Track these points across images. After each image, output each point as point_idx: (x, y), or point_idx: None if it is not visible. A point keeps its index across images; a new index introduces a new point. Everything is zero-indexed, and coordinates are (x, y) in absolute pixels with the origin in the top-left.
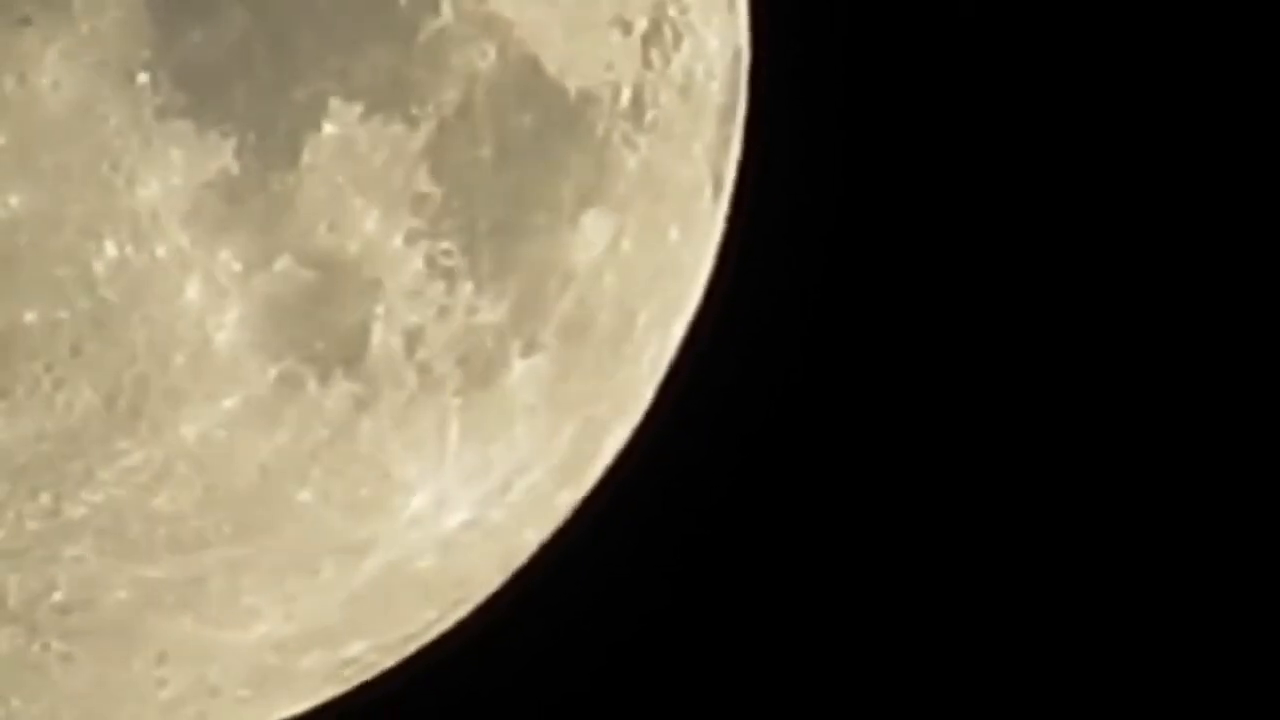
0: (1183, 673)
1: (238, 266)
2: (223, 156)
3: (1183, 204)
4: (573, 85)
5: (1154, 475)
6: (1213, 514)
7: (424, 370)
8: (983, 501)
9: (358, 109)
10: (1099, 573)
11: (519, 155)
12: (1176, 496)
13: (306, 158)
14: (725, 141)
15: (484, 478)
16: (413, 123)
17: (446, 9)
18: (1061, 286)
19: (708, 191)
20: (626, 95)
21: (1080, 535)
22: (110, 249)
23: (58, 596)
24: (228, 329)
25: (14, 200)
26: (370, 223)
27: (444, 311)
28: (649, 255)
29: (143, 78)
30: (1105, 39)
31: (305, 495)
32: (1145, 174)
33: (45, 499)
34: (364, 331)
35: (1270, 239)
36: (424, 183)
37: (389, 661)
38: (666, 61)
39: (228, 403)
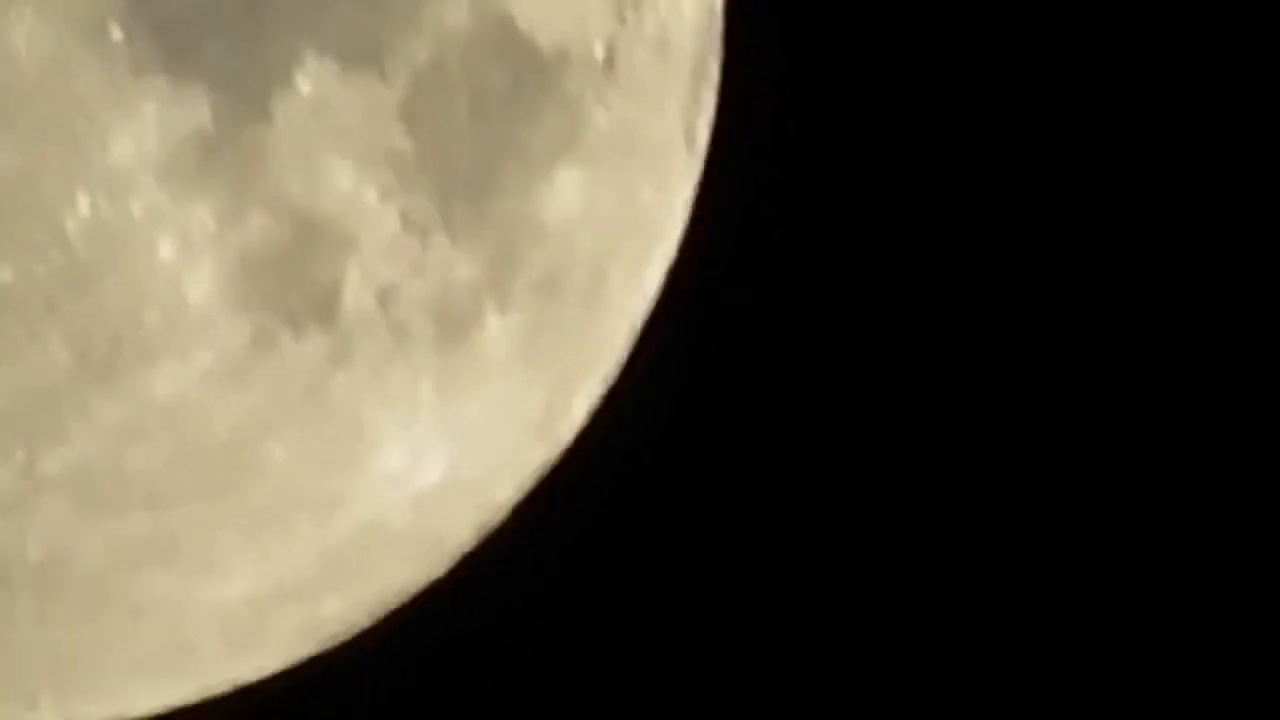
0: (1164, 675)
1: (212, 223)
2: (197, 112)
3: (1152, 198)
4: (546, 42)
5: (1122, 482)
6: (1188, 519)
7: (398, 327)
8: (954, 492)
9: (332, 65)
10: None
11: (492, 112)
12: (1148, 505)
13: (280, 114)
14: (699, 98)
15: (457, 434)
16: (386, 79)
17: None
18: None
19: (681, 149)
20: (600, 51)
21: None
22: (84, 206)
23: (31, 552)
24: (201, 286)
25: None
26: (344, 179)
27: (418, 268)
28: (622, 212)
29: (116, 33)
30: (1088, 30)
31: (279, 452)
32: (1118, 175)
33: (20, 455)
34: (338, 288)
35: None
36: (398, 139)
37: (364, 618)
38: (640, 17)
39: (201, 359)
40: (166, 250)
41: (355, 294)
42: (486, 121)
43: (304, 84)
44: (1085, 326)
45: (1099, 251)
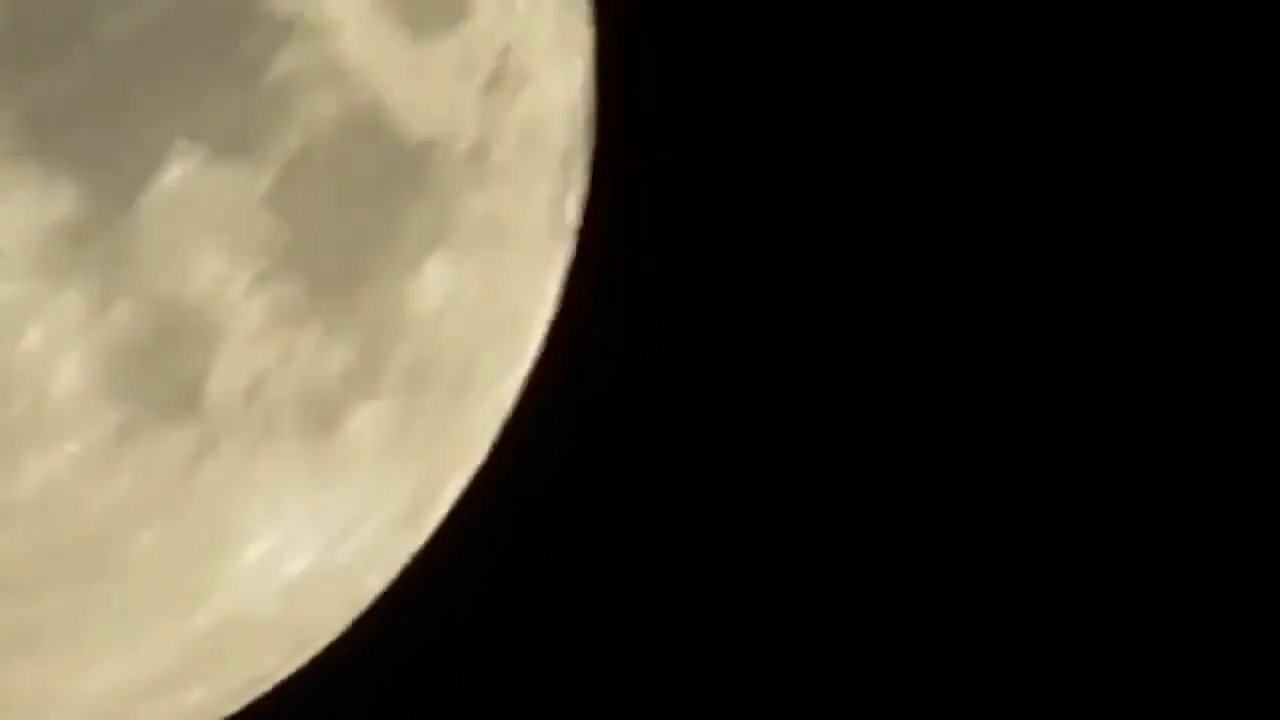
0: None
1: (80, 311)
2: (66, 200)
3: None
4: (416, 130)
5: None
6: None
7: (266, 416)
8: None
9: (201, 152)
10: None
11: (362, 201)
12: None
13: (150, 202)
14: (568, 188)
15: (326, 525)
16: (256, 167)
17: (290, 54)
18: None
19: (550, 236)
20: (469, 141)
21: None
22: None
23: None
24: (69, 374)
25: None
26: (213, 267)
27: (285, 357)
28: (491, 302)
29: None
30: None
31: (146, 541)
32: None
33: None
34: (206, 377)
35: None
36: (268, 228)
37: (232, 707)
38: (509, 107)
39: (68, 448)
40: (34, 338)
41: (223, 383)
42: (356, 210)
43: (174, 172)
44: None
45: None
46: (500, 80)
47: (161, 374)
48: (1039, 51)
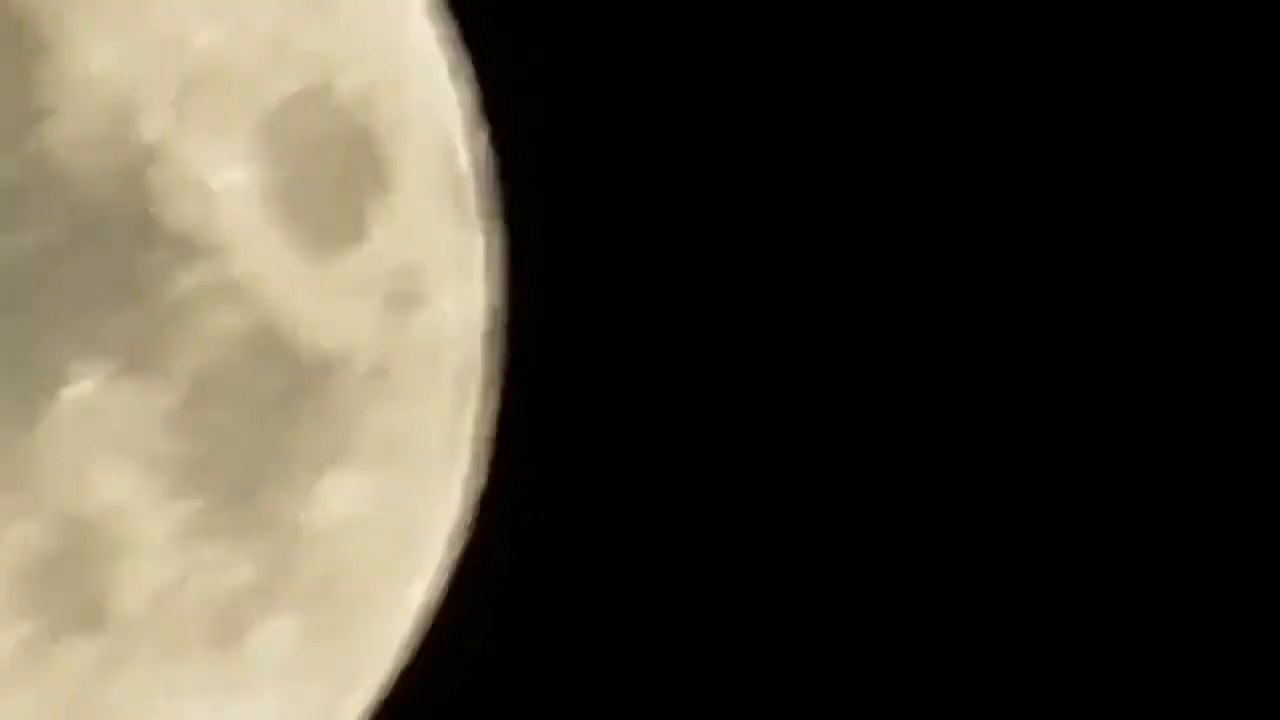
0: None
1: None
2: None
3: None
4: (314, 349)
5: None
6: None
7: (169, 631)
8: None
9: (104, 370)
10: None
11: (263, 417)
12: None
13: (49, 419)
14: (466, 404)
15: None
16: (159, 383)
17: (189, 274)
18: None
19: (449, 454)
20: (369, 359)
21: None
22: None
23: None
24: None
25: None
26: (117, 483)
27: (189, 572)
28: (392, 517)
29: None
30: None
31: None
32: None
33: None
34: (108, 592)
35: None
36: (169, 443)
37: None
38: (409, 324)
39: None
40: None
41: (128, 598)
42: (259, 427)
43: (73, 390)
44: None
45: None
46: (398, 300)
47: (62, 591)
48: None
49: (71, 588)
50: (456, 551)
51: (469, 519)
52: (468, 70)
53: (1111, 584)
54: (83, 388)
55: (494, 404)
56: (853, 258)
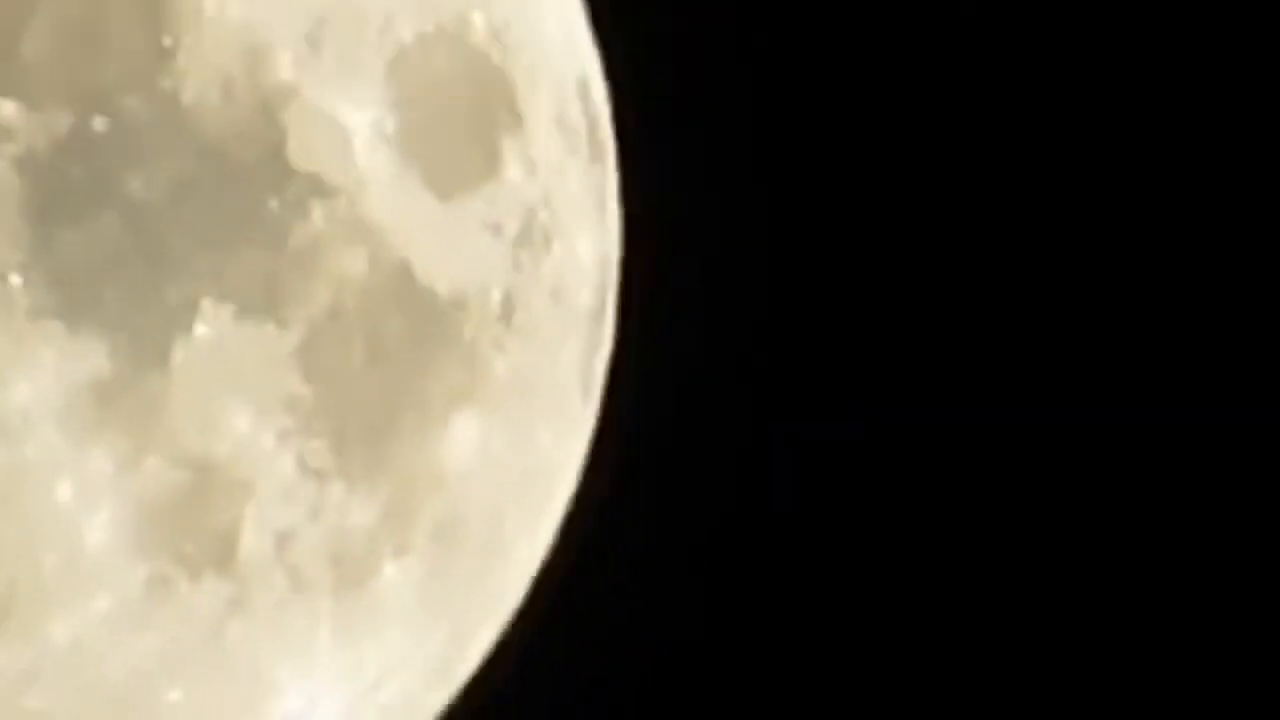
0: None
1: (109, 467)
2: (94, 357)
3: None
4: (444, 290)
5: None
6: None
7: (294, 571)
8: None
9: (230, 311)
10: None
11: (389, 358)
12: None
13: (178, 358)
14: (594, 344)
15: (354, 679)
16: (284, 324)
17: (318, 214)
18: None
19: (577, 394)
20: (496, 298)
21: None
22: None
23: None
24: (99, 530)
25: None
26: (241, 423)
27: (315, 513)
28: (518, 457)
29: (15, 278)
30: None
31: (175, 696)
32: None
33: None
34: (235, 532)
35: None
36: (295, 384)
37: None
38: (537, 265)
39: (98, 604)
40: (64, 494)
41: (253, 539)
42: (384, 368)
43: (202, 331)
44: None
45: None
46: (527, 239)
47: (190, 530)
48: None
49: (199, 528)
50: (581, 493)
51: (595, 460)
52: (599, 9)
53: None
54: (212, 327)
55: (621, 345)
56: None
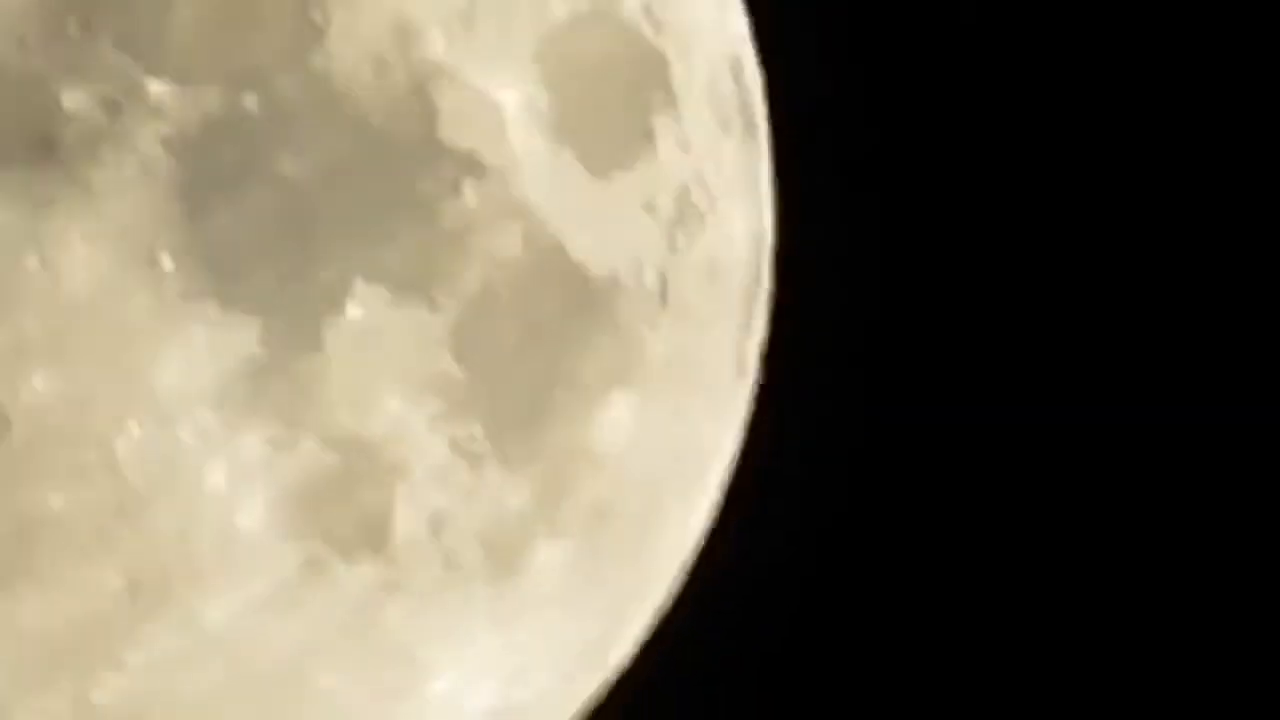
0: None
1: (262, 450)
2: (247, 340)
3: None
4: (597, 270)
5: None
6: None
7: (449, 554)
8: None
9: (382, 291)
10: None
11: (543, 339)
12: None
13: (330, 340)
14: (749, 324)
15: (508, 662)
16: (437, 306)
17: (470, 194)
18: None
19: (732, 374)
20: (651, 279)
21: None
22: (134, 431)
23: None
24: (252, 513)
25: (39, 383)
26: (394, 406)
27: (469, 495)
28: (675, 440)
29: (166, 258)
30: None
31: (330, 679)
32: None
33: (70, 685)
34: (389, 515)
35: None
36: (448, 366)
37: None
38: (691, 244)
39: (253, 587)
40: (217, 477)
41: (406, 522)
42: (537, 349)
43: (354, 311)
44: None
45: None
46: (682, 216)
47: (344, 512)
48: None
49: (351, 510)
50: (737, 477)
51: (751, 443)
52: None
53: None
54: (365, 308)
55: (775, 326)
56: None
